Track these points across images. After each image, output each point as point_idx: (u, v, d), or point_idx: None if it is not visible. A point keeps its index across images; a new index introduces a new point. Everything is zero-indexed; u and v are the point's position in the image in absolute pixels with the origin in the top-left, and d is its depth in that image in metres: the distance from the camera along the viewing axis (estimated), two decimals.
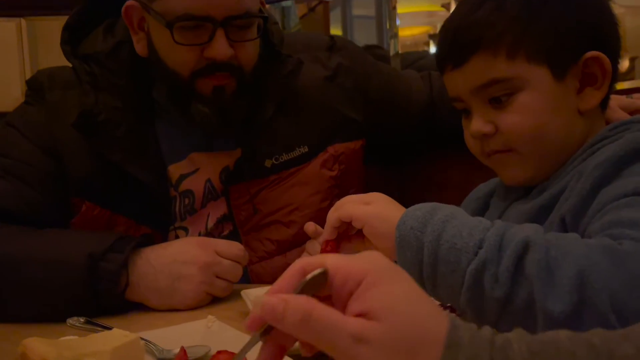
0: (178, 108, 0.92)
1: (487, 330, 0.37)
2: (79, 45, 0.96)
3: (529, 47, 0.62)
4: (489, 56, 0.63)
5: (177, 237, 0.98)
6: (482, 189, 0.88)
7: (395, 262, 0.52)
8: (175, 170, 0.97)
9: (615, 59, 0.65)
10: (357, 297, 0.36)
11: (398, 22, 2.84)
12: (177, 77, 0.88)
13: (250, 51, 0.91)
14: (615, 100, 0.73)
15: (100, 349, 0.46)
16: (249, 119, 0.96)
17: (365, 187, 1.11)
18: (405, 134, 1.11)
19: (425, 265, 0.52)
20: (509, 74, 0.63)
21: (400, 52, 2.59)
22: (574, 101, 0.64)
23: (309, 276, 0.38)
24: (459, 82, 0.67)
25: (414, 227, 0.53)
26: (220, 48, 0.85)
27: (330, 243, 0.73)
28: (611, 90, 0.67)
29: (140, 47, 0.93)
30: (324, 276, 0.38)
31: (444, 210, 0.54)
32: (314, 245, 0.84)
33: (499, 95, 0.64)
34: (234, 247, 0.88)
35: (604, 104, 0.68)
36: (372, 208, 0.61)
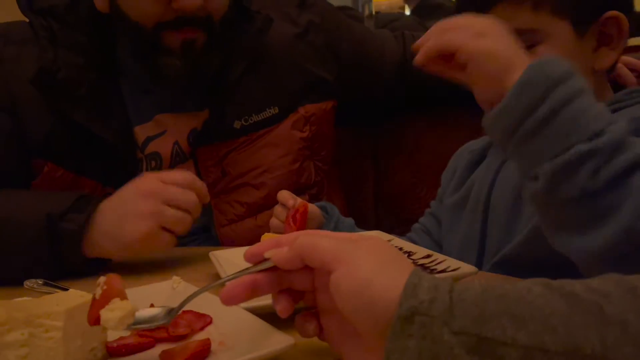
0: (144, 64, 0.88)
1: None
2: None
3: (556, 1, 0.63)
4: (515, 5, 0.64)
5: None
6: (472, 145, 0.88)
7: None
8: (141, 131, 0.95)
9: (629, 19, 0.65)
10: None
11: None
12: (141, 30, 0.84)
13: (219, 1, 0.87)
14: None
15: (54, 309, 0.44)
16: (217, 78, 0.93)
17: (336, 149, 1.10)
18: (378, 95, 1.10)
19: (535, 117, 0.49)
20: (532, 25, 0.63)
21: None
22: (590, 59, 0.65)
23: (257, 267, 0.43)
24: (519, 14, 0.66)
25: (549, 76, 0.49)
26: None
27: (297, 215, 0.72)
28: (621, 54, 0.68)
29: (100, 2, 0.88)
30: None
31: (580, 80, 0.50)
32: (282, 211, 0.82)
33: (533, 45, 0.64)
34: (186, 195, 0.78)
35: (612, 66, 0.69)
36: (487, 42, 0.53)
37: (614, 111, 0.63)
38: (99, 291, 0.44)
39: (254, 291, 0.43)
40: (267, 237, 0.65)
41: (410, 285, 0.34)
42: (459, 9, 0.68)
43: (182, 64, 0.85)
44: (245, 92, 0.95)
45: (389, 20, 1.68)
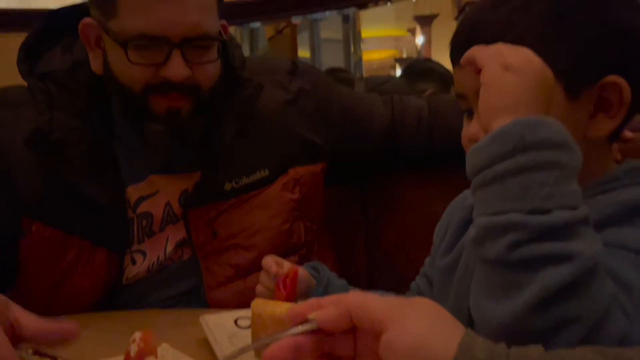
0: (132, 125, 0.91)
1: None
2: (36, 63, 0.94)
3: (546, 58, 0.55)
4: None
5: (133, 260, 0.96)
6: (468, 196, 0.84)
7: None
8: (134, 191, 0.96)
9: (639, 91, 0.59)
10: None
11: (363, 46, 2.90)
12: (130, 93, 0.87)
13: (209, 72, 0.90)
14: None
15: None
16: (209, 141, 0.95)
17: (325, 209, 1.11)
18: (367, 157, 1.12)
19: (493, 170, 0.49)
20: None
21: (366, 75, 2.64)
22: (583, 125, 0.59)
23: (302, 327, 0.41)
24: (467, 80, 0.63)
25: (525, 137, 0.48)
26: (175, 69, 0.84)
27: (287, 280, 0.72)
28: (627, 122, 0.61)
29: (96, 65, 0.92)
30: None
31: (564, 155, 0.48)
32: (267, 278, 0.83)
33: None
34: None
35: (614, 135, 0.62)
36: (507, 78, 0.52)
37: (611, 190, 0.58)
38: (134, 348, 0.43)
39: (296, 355, 0.41)
40: (257, 303, 0.65)
41: (465, 346, 0.35)
42: (450, 55, 0.66)
43: (165, 130, 0.87)
44: (236, 154, 0.97)
45: (378, 83, 1.74)
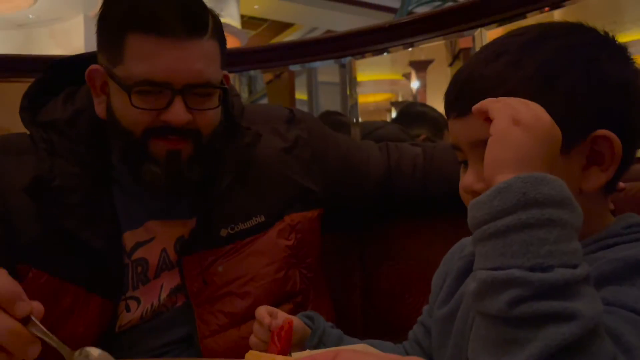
0: (130, 169, 0.91)
1: None
2: (38, 112, 0.96)
3: None
4: None
5: (127, 307, 0.95)
6: (467, 245, 0.84)
7: None
8: (130, 237, 0.96)
9: (631, 143, 0.60)
10: None
11: (359, 89, 2.95)
12: (131, 136, 0.89)
13: (210, 118, 0.92)
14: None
15: None
16: (205, 188, 0.95)
17: (322, 255, 1.11)
18: (363, 204, 1.13)
19: (495, 225, 0.49)
20: None
21: (363, 117, 2.68)
22: (577, 178, 0.60)
23: None
24: (461, 132, 0.64)
25: (528, 194, 0.48)
26: (176, 114, 0.86)
27: (281, 332, 0.72)
28: (622, 174, 0.62)
29: (100, 110, 0.93)
30: None
31: (565, 212, 0.49)
32: (260, 329, 0.82)
33: None
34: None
35: (610, 187, 0.63)
36: (514, 132, 0.52)
37: (609, 246, 0.59)
38: None
39: None
40: (251, 356, 0.64)
41: None
42: (444, 108, 0.67)
43: (163, 173, 0.88)
44: (233, 201, 0.98)
45: (373, 128, 1.77)
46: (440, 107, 2.47)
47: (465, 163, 0.67)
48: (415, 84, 4.29)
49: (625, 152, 0.59)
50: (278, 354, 0.66)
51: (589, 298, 0.48)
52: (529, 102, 0.55)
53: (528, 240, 0.48)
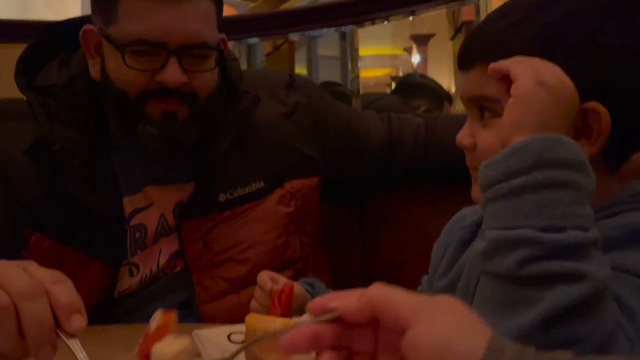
0: (126, 130, 0.90)
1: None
2: (34, 77, 0.94)
3: None
4: (487, 71, 0.59)
5: (130, 272, 0.95)
6: (467, 216, 0.83)
7: None
8: (129, 203, 0.95)
9: (628, 120, 0.58)
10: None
11: (360, 64, 2.92)
12: (126, 97, 0.87)
13: (206, 80, 0.90)
14: None
15: None
16: (203, 152, 0.95)
17: (322, 225, 1.10)
18: (363, 173, 1.12)
19: (509, 184, 0.48)
20: (499, 96, 0.57)
21: (363, 92, 2.65)
22: None
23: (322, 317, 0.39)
24: (464, 86, 0.64)
25: (543, 154, 0.48)
26: (171, 75, 0.85)
27: (282, 296, 0.71)
28: (626, 150, 0.60)
29: (94, 71, 0.92)
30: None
31: (580, 176, 0.48)
32: (261, 294, 0.82)
33: (486, 111, 0.60)
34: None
35: (613, 163, 0.61)
36: (539, 92, 0.51)
37: (615, 214, 0.58)
38: (153, 325, 0.41)
39: (314, 343, 0.39)
40: (251, 319, 0.64)
41: (494, 348, 0.34)
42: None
43: (159, 134, 0.87)
44: (232, 166, 0.97)
45: (372, 100, 1.75)
46: (442, 81, 2.45)
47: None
48: (416, 59, 4.24)
49: (617, 127, 0.57)
50: (279, 316, 0.65)
51: (599, 261, 0.47)
52: (551, 64, 0.54)
53: (542, 201, 0.47)
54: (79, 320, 0.53)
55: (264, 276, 0.82)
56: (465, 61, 0.63)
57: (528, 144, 0.49)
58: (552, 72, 0.53)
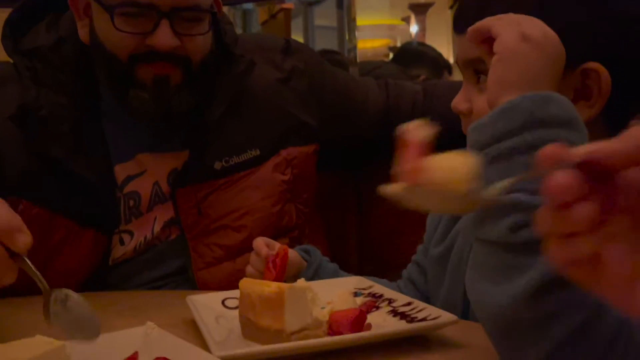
0: (116, 95, 0.88)
1: None
2: (21, 40, 0.92)
3: None
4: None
5: (121, 240, 0.94)
6: None
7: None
8: (121, 170, 0.94)
9: (627, 82, 0.57)
10: None
11: (357, 35, 2.87)
12: (116, 60, 0.85)
13: (199, 44, 0.88)
14: None
15: (19, 356, 0.42)
16: (198, 119, 0.93)
17: (318, 193, 1.10)
18: (360, 141, 1.11)
19: (498, 147, 0.47)
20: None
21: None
22: None
23: None
24: (459, 49, 0.62)
25: (535, 113, 0.45)
26: (162, 38, 0.82)
27: (277, 260, 0.71)
28: (627, 114, 0.57)
29: (83, 34, 0.89)
30: None
31: (573, 133, 0.46)
32: (257, 259, 0.81)
33: (482, 74, 0.57)
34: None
35: (613, 126, 0.58)
36: (523, 47, 0.49)
37: None
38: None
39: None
40: (245, 283, 0.64)
41: None
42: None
43: (151, 99, 0.85)
44: (227, 133, 0.95)
45: (372, 68, 1.72)
46: (440, 51, 2.42)
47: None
48: (414, 28, 4.19)
49: (618, 89, 0.56)
50: (273, 280, 0.65)
51: None
52: (533, 18, 0.52)
53: (533, 162, 0.46)
54: (23, 238, 0.58)
55: (260, 242, 0.81)
56: (461, 22, 0.61)
57: (517, 103, 0.47)
58: (535, 26, 0.51)
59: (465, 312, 0.72)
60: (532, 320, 0.45)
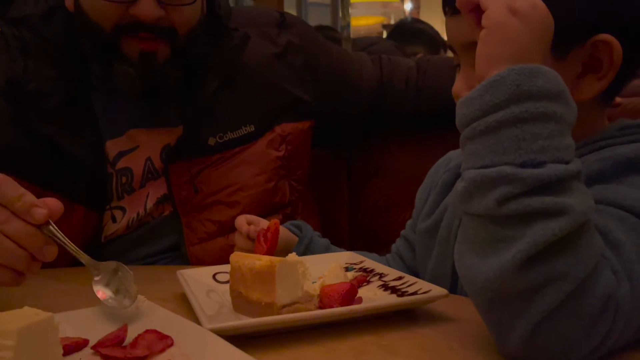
0: (103, 69, 0.87)
1: None
2: (8, 8, 0.90)
3: None
4: (481, 12, 0.56)
5: (113, 217, 0.93)
6: (453, 158, 0.82)
7: None
8: (112, 146, 0.92)
9: (634, 53, 0.57)
10: None
11: (351, 12, 2.83)
12: (100, 31, 0.83)
13: (186, 15, 0.86)
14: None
15: (6, 327, 0.42)
16: (191, 94, 0.91)
17: (311, 170, 1.09)
18: (354, 117, 1.10)
19: (486, 120, 0.47)
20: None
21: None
22: (570, 86, 0.54)
23: None
24: (454, 31, 0.61)
25: (522, 86, 0.46)
26: (145, 8, 0.80)
27: (267, 234, 0.71)
28: (621, 85, 0.60)
29: (68, 2, 0.87)
30: None
31: (560, 106, 0.46)
32: (240, 237, 0.81)
33: None
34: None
35: (607, 97, 0.60)
36: (512, 22, 0.48)
37: (600, 148, 0.57)
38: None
39: None
40: (236, 257, 0.64)
41: None
42: (442, 4, 0.63)
43: (137, 75, 0.84)
44: (221, 108, 0.94)
45: (367, 44, 1.70)
46: (440, 29, 2.39)
47: (459, 67, 0.64)
48: (408, 6, 4.14)
49: (625, 61, 0.56)
50: (264, 254, 0.65)
51: (580, 194, 0.46)
52: None
53: (520, 135, 0.46)
54: (39, 211, 0.60)
55: (241, 220, 0.81)
56: (454, 3, 0.58)
57: (504, 76, 0.47)
58: None
59: (453, 285, 0.73)
60: (519, 292, 0.45)
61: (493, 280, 0.46)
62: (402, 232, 0.93)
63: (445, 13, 0.63)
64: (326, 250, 0.88)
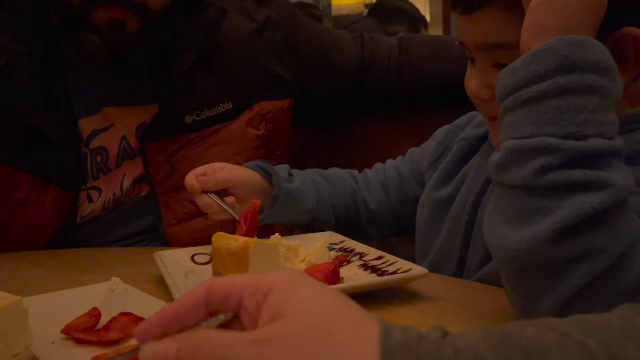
0: (70, 39, 0.83)
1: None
2: None
3: None
4: (504, 13, 0.54)
5: (89, 197, 0.91)
6: (464, 130, 0.79)
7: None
8: (86, 124, 0.90)
9: None
10: (265, 307, 0.32)
11: None
12: (67, 2, 0.80)
13: None
14: None
15: None
16: (167, 70, 0.89)
17: (292, 150, 1.08)
18: (335, 95, 1.09)
19: (530, 90, 0.45)
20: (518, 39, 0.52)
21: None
22: None
23: (216, 320, 0.33)
24: (467, 30, 0.59)
25: (570, 57, 0.45)
26: None
27: (247, 214, 0.69)
28: None
29: None
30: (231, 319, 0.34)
31: (607, 81, 0.45)
32: (200, 196, 0.80)
33: (505, 63, 0.52)
34: None
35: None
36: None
37: (631, 130, 0.56)
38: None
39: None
40: (217, 237, 0.62)
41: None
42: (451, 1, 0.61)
43: (104, 44, 0.81)
44: (198, 85, 0.92)
45: (348, 23, 1.68)
46: (419, 5, 2.36)
47: (472, 59, 0.62)
48: None
49: None
50: (243, 235, 0.64)
51: (622, 170, 0.45)
52: None
53: (564, 107, 0.44)
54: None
55: (190, 179, 0.78)
56: (467, 1, 0.57)
57: (553, 45, 0.45)
58: None
59: (461, 263, 0.71)
60: (551, 265, 0.44)
61: (525, 250, 0.44)
62: (396, 164, 0.91)
63: (454, 9, 0.60)
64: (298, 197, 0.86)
